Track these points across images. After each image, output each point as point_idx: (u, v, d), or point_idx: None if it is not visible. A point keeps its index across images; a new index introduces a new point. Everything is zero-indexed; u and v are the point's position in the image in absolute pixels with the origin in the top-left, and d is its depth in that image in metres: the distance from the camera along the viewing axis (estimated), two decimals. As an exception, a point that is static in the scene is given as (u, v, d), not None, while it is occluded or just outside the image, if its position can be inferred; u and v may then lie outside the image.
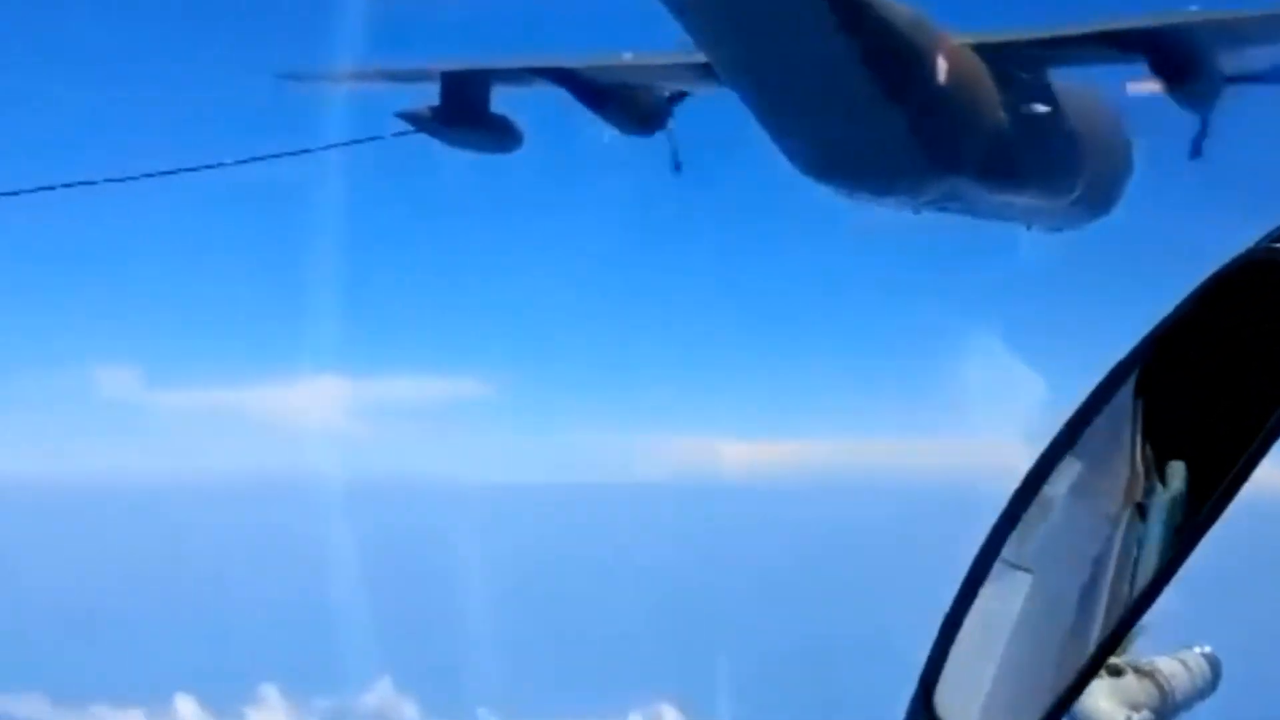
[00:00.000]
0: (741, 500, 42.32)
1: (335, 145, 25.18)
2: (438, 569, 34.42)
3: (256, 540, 40.67)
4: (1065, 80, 22.52)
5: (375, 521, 36.22)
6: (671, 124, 23.71)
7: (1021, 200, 23.26)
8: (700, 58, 21.38)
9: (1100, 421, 2.76)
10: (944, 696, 2.71)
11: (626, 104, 23.36)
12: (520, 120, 24.29)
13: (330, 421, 41.61)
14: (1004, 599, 2.74)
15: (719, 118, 23.39)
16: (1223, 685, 3.38)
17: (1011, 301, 29.23)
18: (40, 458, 44.20)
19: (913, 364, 35.67)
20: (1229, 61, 21.14)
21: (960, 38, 21.47)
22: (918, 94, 20.79)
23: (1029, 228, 24.52)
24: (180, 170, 24.69)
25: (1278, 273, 2.66)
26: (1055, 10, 22.55)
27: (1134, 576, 2.66)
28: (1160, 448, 2.74)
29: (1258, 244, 2.70)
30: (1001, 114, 21.58)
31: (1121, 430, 2.76)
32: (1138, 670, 3.18)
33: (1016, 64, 21.72)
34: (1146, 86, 20.97)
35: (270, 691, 37.44)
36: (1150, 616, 2.68)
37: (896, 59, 20.53)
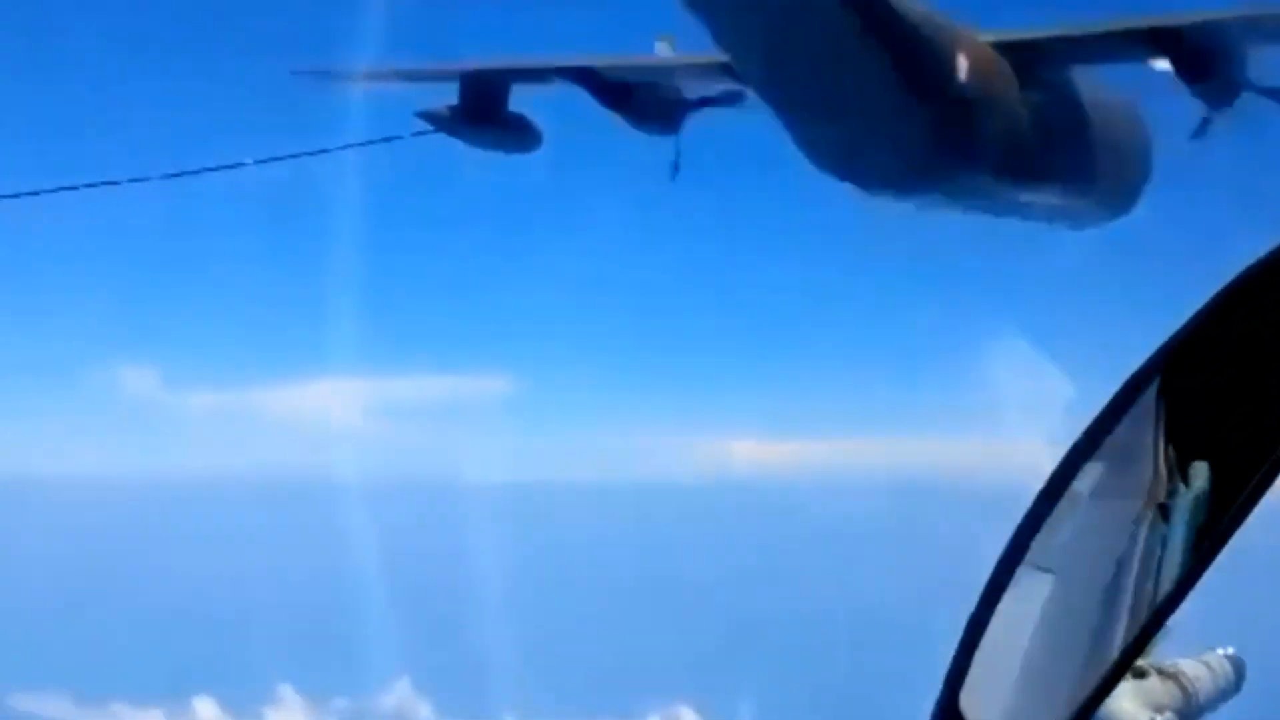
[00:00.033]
0: (757, 498, 42.28)
1: (354, 145, 25.20)
2: (456, 568, 34.42)
3: (275, 540, 40.75)
4: (1086, 78, 22.49)
5: (393, 521, 36.24)
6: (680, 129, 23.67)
7: (1041, 198, 23.21)
8: (720, 57, 21.37)
9: (1124, 423, 2.76)
10: (969, 697, 2.72)
11: (646, 104, 23.35)
12: (539, 120, 24.31)
13: (349, 421, 41.75)
14: (1029, 600, 2.74)
15: (728, 119, 23.37)
16: (1246, 687, 3.38)
17: (1033, 300, 29.16)
18: (61, 457, 44.41)
19: (933, 363, 35.63)
20: (1252, 63, 21.06)
21: (982, 35, 21.46)
22: (939, 92, 20.77)
23: (1049, 226, 24.47)
24: (200, 170, 24.76)
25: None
26: (1075, 8, 22.54)
27: (1158, 577, 2.67)
28: (1183, 448, 2.74)
29: (1282, 245, 2.70)
30: (1022, 112, 21.55)
31: (1145, 431, 2.76)
32: (1161, 672, 3.18)
33: (1037, 62, 21.69)
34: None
35: (288, 691, 37.50)
36: (1173, 618, 2.68)
37: (918, 57, 20.51)
